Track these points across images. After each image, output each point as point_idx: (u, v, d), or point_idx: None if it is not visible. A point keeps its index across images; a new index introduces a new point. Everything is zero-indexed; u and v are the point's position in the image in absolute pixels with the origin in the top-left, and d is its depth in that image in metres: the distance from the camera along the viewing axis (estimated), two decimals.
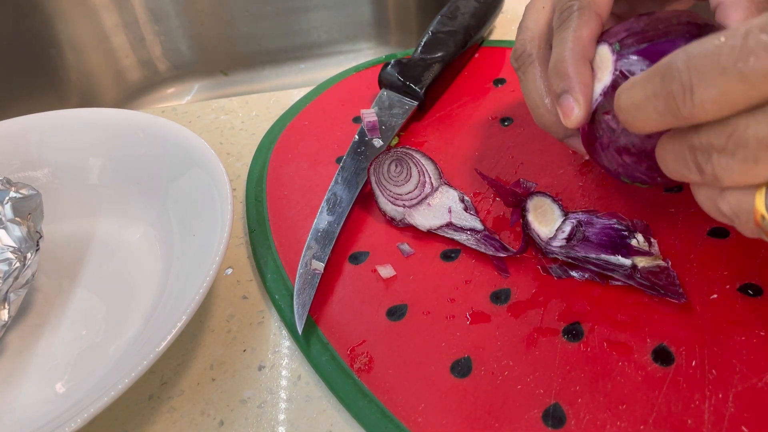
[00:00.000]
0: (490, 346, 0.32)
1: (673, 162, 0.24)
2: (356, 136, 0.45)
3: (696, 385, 0.28)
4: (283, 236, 0.40)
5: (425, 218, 0.39)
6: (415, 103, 0.47)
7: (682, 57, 0.21)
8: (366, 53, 0.80)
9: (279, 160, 0.46)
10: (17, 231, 0.36)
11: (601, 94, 0.29)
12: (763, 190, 0.22)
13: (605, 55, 0.29)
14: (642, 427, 0.27)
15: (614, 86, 0.28)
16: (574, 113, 0.29)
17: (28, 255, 0.36)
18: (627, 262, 0.33)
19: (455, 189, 0.40)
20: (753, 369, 0.28)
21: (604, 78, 0.29)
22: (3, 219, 0.37)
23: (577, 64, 0.29)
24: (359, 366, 0.32)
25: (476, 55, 0.54)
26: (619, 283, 0.33)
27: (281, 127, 0.49)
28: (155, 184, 0.42)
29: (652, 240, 0.34)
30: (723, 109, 0.21)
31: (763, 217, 0.22)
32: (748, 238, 0.34)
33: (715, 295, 0.32)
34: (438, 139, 0.46)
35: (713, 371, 0.28)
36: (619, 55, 0.29)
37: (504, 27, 0.59)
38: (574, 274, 0.34)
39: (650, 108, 0.23)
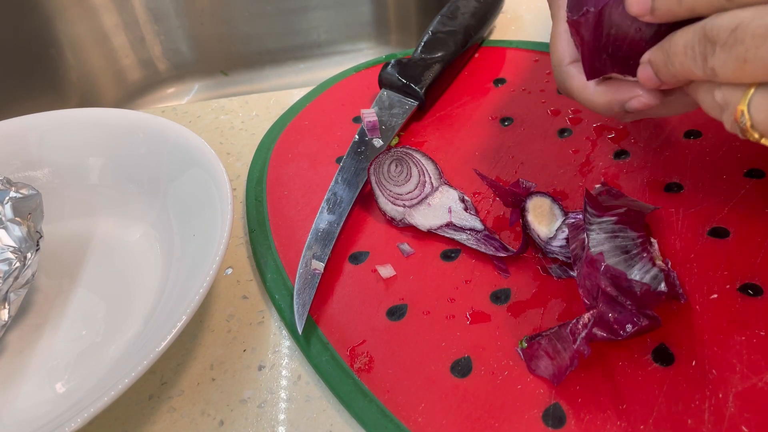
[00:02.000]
0: (490, 346, 0.32)
1: (682, 53, 0.26)
2: (356, 136, 0.45)
3: (696, 385, 0.28)
4: (283, 236, 0.40)
5: (425, 218, 0.39)
6: (415, 103, 0.47)
7: None
8: (366, 53, 0.80)
9: (279, 160, 0.46)
10: (17, 231, 0.36)
11: None
12: (750, 91, 0.24)
13: None
14: (642, 427, 0.27)
15: None
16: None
17: (28, 255, 0.36)
18: None
19: (455, 189, 0.40)
20: (753, 369, 0.28)
21: None
22: (3, 219, 0.37)
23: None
24: (359, 366, 0.32)
25: (476, 55, 0.54)
26: None
27: (281, 127, 0.49)
28: (155, 184, 0.42)
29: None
30: None
31: (742, 112, 0.24)
32: (748, 236, 0.34)
33: (715, 295, 0.32)
34: (438, 139, 0.46)
35: (713, 371, 0.28)
36: None
37: (504, 27, 0.59)
38: (573, 274, 0.34)
39: None
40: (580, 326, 0.29)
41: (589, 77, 0.33)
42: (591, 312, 0.29)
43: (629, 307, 0.29)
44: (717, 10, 0.25)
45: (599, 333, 0.28)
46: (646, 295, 0.28)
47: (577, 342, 0.28)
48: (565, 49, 0.34)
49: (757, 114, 0.24)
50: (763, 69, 0.23)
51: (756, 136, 0.25)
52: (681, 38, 0.26)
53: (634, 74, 0.31)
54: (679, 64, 0.27)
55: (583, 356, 0.28)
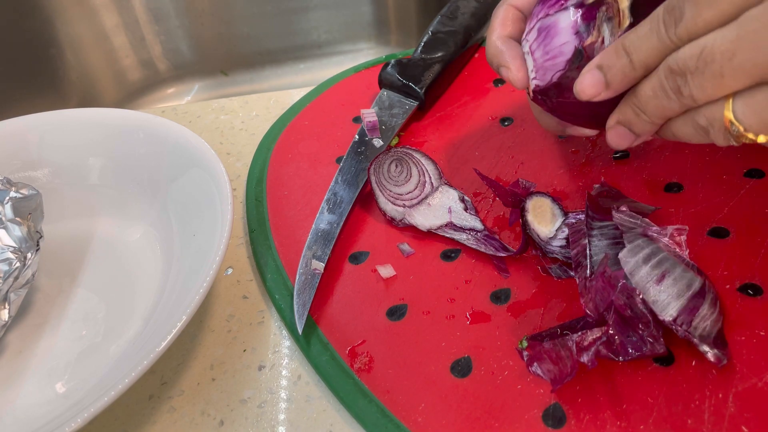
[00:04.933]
0: (490, 346, 0.32)
1: (653, 97, 0.28)
2: (356, 136, 0.45)
3: (696, 385, 0.28)
4: (283, 236, 0.40)
5: (425, 218, 0.39)
6: (415, 103, 0.47)
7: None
8: (366, 53, 0.80)
9: (279, 160, 0.46)
10: (17, 231, 0.36)
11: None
12: (730, 100, 0.26)
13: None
14: (642, 427, 0.27)
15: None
16: (512, 78, 0.34)
17: (29, 255, 0.36)
18: None
19: (455, 189, 0.40)
20: (753, 369, 0.28)
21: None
22: (3, 219, 0.37)
23: (500, 42, 0.35)
24: (359, 366, 0.32)
25: (476, 55, 0.54)
26: None
27: (281, 127, 0.49)
28: (155, 184, 0.42)
29: None
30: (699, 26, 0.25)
31: (731, 121, 0.26)
32: (748, 236, 0.34)
33: None
34: (438, 139, 0.46)
35: (713, 371, 0.28)
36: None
37: None
38: (573, 274, 0.34)
39: (652, 38, 0.27)
40: (587, 341, 0.29)
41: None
42: (602, 329, 0.29)
43: (640, 331, 0.29)
44: (668, 54, 0.27)
45: (602, 350, 0.29)
46: (656, 318, 0.29)
47: (584, 357, 0.28)
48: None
49: (745, 117, 0.25)
50: (741, 75, 0.25)
51: (751, 136, 0.26)
52: (647, 85, 0.28)
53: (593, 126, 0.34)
54: (653, 108, 0.28)
55: (586, 367, 0.28)
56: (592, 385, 0.29)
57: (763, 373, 0.28)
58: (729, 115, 0.26)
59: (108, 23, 0.72)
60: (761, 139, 0.26)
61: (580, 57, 0.31)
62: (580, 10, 0.30)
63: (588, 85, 0.29)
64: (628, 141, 0.31)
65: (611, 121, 0.31)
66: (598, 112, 0.32)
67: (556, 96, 0.33)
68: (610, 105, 0.31)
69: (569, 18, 0.31)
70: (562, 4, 0.31)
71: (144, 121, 0.43)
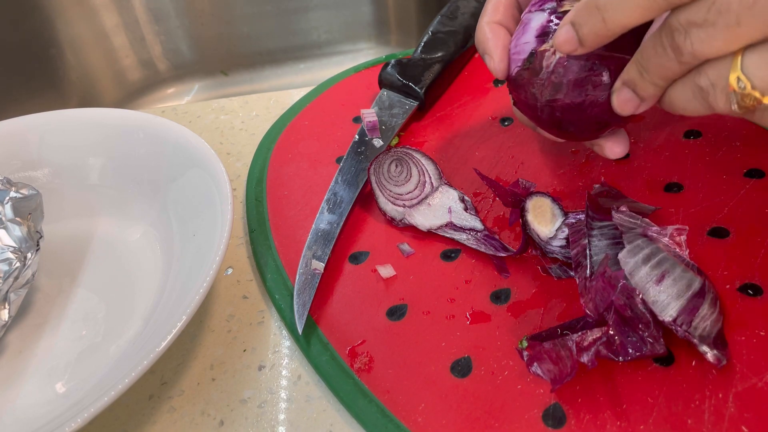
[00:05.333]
0: (490, 346, 0.32)
1: (654, 54, 0.27)
2: (356, 136, 0.45)
3: (696, 385, 0.28)
4: (283, 236, 0.40)
5: (425, 218, 0.39)
6: (415, 103, 0.47)
7: None
8: (366, 53, 0.80)
9: (279, 160, 0.46)
10: (17, 231, 0.36)
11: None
12: (738, 57, 0.24)
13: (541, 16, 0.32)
14: (642, 427, 0.27)
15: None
16: (492, 68, 0.34)
17: (29, 255, 0.36)
18: None
19: (455, 189, 0.40)
20: (753, 369, 0.28)
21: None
22: (3, 219, 0.37)
23: (489, 28, 0.35)
24: (359, 366, 0.32)
25: (476, 55, 0.54)
26: None
27: (281, 127, 0.49)
28: (155, 184, 0.42)
29: None
30: None
31: (738, 78, 0.24)
32: (748, 236, 0.34)
33: None
34: (438, 139, 0.46)
35: (713, 371, 0.29)
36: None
37: None
38: (573, 274, 0.34)
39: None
40: (587, 341, 0.29)
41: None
42: (602, 329, 0.29)
43: (640, 331, 0.29)
44: (655, 16, 0.26)
45: (602, 350, 0.29)
46: (656, 318, 0.29)
47: (584, 357, 0.28)
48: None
49: (757, 70, 0.24)
50: (760, 23, 0.23)
51: (757, 95, 0.24)
52: (649, 42, 0.27)
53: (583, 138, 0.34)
54: (655, 66, 0.27)
55: (586, 367, 0.28)
56: (592, 385, 0.29)
57: (763, 373, 0.28)
58: (737, 71, 0.24)
59: (108, 23, 0.73)
60: (767, 99, 0.24)
61: (531, 60, 0.31)
62: (550, 17, 0.31)
63: (563, 41, 0.29)
64: (633, 105, 0.30)
65: (617, 84, 0.30)
66: (539, 117, 0.33)
67: (513, 89, 0.34)
68: (550, 111, 0.32)
69: (540, 20, 0.31)
70: (542, 5, 0.32)
71: (144, 121, 0.43)
